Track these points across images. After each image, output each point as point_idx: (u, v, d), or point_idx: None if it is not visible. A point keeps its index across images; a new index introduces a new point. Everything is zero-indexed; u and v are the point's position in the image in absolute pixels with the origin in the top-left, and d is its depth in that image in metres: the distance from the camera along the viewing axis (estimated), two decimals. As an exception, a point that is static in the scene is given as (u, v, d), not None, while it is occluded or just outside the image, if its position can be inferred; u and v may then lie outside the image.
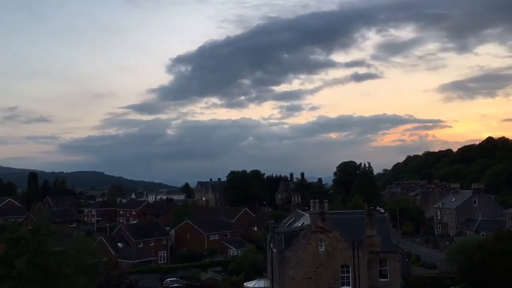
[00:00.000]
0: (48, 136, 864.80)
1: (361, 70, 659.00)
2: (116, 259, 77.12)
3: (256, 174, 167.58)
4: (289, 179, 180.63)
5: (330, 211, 41.76)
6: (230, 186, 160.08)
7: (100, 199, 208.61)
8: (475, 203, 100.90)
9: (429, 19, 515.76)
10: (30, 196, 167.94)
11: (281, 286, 40.26)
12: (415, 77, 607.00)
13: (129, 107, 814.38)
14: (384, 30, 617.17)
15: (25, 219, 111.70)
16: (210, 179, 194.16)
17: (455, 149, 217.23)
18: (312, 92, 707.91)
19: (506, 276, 46.11)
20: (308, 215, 43.99)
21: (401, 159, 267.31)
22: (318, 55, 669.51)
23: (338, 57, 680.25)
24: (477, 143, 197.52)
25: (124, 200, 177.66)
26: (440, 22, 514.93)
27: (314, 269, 39.60)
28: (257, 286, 52.27)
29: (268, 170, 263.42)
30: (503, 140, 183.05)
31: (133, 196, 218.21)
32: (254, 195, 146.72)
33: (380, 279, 41.22)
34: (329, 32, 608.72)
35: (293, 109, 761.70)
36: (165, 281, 68.62)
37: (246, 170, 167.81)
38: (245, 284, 55.47)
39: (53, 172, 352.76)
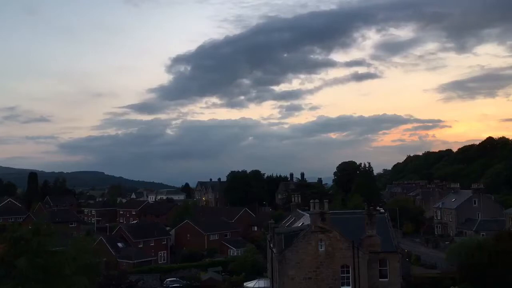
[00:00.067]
0: (48, 136, 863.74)
1: (361, 70, 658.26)
2: (116, 259, 77.10)
3: (256, 174, 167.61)
4: (289, 179, 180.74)
5: (330, 211, 41.79)
6: (230, 186, 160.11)
7: (100, 199, 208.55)
8: (475, 203, 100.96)
9: (429, 18, 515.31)
10: (30, 196, 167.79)
11: (281, 286, 40.30)
12: (415, 77, 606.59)
13: (128, 107, 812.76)
14: (384, 30, 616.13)
15: (25, 219, 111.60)
16: (210, 179, 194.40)
17: (455, 149, 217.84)
18: (312, 92, 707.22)
19: (506, 276, 46.16)
20: (308, 215, 44.03)
21: (401, 159, 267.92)
22: (318, 55, 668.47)
23: (338, 56, 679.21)
24: (477, 143, 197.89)
25: (124, 200, 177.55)
26: (439, 21, 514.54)
27: (314, 269, 39.64)
28: (257, 286, 52.33)
29: (268, 170, 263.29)
30: (503, 140, 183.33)
31: (133, 196, 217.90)
32: (254, 195, 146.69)
33: (380, 279, 41.26)
34: (329, 31, 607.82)
35: (293, 109, 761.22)
36: (165, 281, 68.70)
37: (246, 170, 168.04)
38: (245, 284, 55.53)
39: (53, 172, 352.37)
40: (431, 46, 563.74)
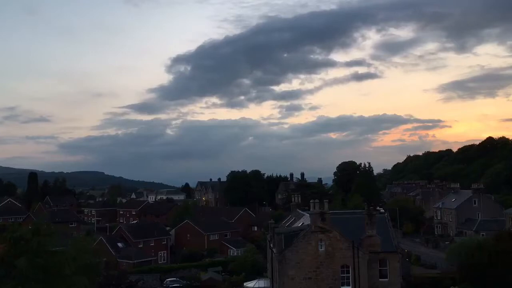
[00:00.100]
0: (48, 136, 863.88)
1: (361, 70, 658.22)
2: (116, 259, 77.07)
3: (256, 174, 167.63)
4: (289, 179, 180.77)
5: (330, 211, 41.80)
6: (230, 186, 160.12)
7: (100, 199, 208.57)
8: (475, 203, 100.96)
9: (429, 18, 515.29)
10: (30, 196, 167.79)
11: (281, 286, 40.30)
12: (415, 77, 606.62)
13: (128, 106, 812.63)
14: (384, 30, 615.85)
15: (25, 219, 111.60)
16: (210, 179, 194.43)
17: (455, 149, 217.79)
18: (312, 92, 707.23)
19: (506, 276, 46.17)
20: (308, 215, 44.03)
21: (401, 159, 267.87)
22: (318, 55, 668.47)
23: (338, 56, 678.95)
24: (477, 143, 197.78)
25: (124, 200, 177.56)
26: (439, 21, 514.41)
27: (314, 269, 39.64)
28: (257, 286, 52.33)
29: (268, 170, 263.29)
30: (503, 140, 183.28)
31: (133, 196, 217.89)
32: (254, 195, 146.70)
33: (380, 279, 41.26)
34: (329, 31, 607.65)
35: (293, 109, 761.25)
36: (165, 281, 68.70)
37: (246, 170, 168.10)
38: (245, 284, 55.53)
39: (53, 172, 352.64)
40: (431, 46, 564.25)
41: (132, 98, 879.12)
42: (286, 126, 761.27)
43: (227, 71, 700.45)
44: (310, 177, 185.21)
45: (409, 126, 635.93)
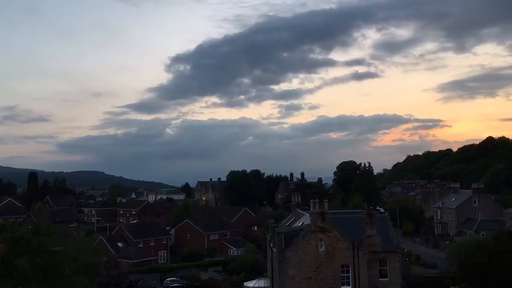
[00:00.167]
0: (48, 135, 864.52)
1: (361, 69, 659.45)
2: (116, 259, 77.10)
3: (256, 174, 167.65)
4: (289, 179, 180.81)
5: (330, 211, 41.79)
6: (230, 186, 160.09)
7: (100, 199, 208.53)
8: (475, 203, 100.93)
9: (429, 17, 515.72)
10: (30, 196, 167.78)
11: (281, 285, 40.29)
12: (415, 77, 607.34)
13: (128, 106, 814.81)
14: (384, 29, 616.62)
15: (25, 219, 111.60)
16: (210, 179, 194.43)
17: (455, 149, 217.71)
18: (311, 91, 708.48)
19: (506, 276, 46.16)
20: (308, 215, 44.02)
21: (401, 158, 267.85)
22: (318, 54, 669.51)
23: (337, 56, 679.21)
24: (477, 143, 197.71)
25: (124, 200, 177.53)
26: (439, 20, 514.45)
27: (314, 268, 39.64)
28: (257, 286, 52.33)
29: (268, 170, 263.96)
30: (503, 140, 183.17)
31: (133, 196, 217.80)
32: (254, 195, 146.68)
33: (380, 279, 41.25)
34: (329, 30, 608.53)
35: (293, 109, 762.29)
36: (165, 281, 68.67)
37: (246, 170, 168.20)
38: (245, 283, 55.52)
39: (53, 172, 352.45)
40: (430, 45, 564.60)
41: (132, 97, 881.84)
42: (286, 125, 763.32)
43: (226, 71, 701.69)
44: (310, 177, 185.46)
45: (409, 125, 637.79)
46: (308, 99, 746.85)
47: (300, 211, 54.79)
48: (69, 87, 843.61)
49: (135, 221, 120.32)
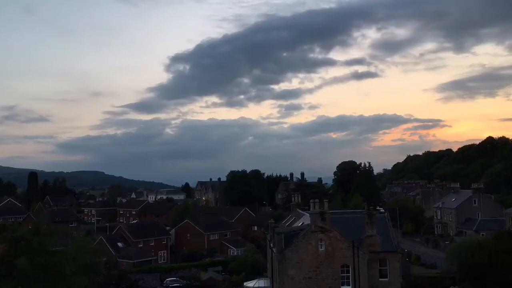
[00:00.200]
0: (47, 135, 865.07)
1: (361, 69, 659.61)
2: (116, 258, 77.11)
3: (256, 174, 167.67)
4: (289, 179, 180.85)
5: (330, 211, 41.77)
6: (230, 186, 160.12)
7: (100, 199, 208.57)
8: (475, 203, 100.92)
9: (428, 17, 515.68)
10: (30, 196, 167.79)
11: (281, 285, 40.29)
12: (415, 76, 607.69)
13: (128, 106, 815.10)
14: (384, 28, 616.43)
15: (25, 219, 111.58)
16: (210, 179, 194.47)
17: (455, 149, 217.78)
18: (311, 91, 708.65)
19: (506, 276, 46.16)
20: (308, 215, 44.02)
21: (401, 158, 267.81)
22: (317, 54, 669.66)
23: (337, 55, 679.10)
24: (477, 142, 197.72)
25: (124, 200, 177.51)
26: (438, 20, 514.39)
27: (314, 268, 39.63)
28: (257, 285, 52.32)
29: (268, 170, 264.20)
30: (503, 140, 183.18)
31: (133, 196, 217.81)
32: (254, 195, 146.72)
33: (380, 279, 41.24)
34: (328, 30, 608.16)
35: (293, 108, 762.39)
36: (165, 281, 68.69)
37: (246, 170, 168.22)
38: (245, 283, 55.52)
39: (53, 172, 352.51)
40: (430, 45, 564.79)
41: (132, 97, 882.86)
42: (285, 125, 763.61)
43: (226, 70, 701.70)
44: (310, 177, 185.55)
45: (409, 125, 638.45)
46: (308, 99, 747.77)
47: (300, 211, 54.78)
48: (69, 87, 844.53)
49: (135, 221, 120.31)
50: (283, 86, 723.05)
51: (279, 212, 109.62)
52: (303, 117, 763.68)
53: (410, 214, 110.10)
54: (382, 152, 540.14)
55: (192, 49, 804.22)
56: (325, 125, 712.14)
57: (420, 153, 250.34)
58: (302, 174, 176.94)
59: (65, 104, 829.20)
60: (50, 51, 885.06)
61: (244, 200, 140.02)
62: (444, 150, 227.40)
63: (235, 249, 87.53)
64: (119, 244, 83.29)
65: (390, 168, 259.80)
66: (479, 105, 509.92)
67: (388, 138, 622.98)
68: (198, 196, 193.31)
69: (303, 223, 46.33)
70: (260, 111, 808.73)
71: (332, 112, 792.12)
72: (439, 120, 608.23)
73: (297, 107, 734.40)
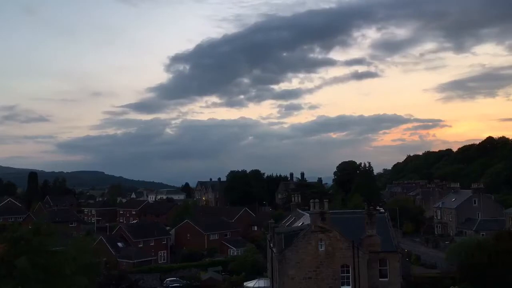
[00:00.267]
0: (47, 135, 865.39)
1: (361, 69, 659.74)
2: (116, 259, 77.12)
3: (256, 174, 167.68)
4: (289, 179, 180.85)
5: (330, 211, 41.77)
6: (230, 186, 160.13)
7: (100, 199, 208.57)
8: (475, 203, 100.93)
9: (428, 17, 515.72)
10: (30, 196, 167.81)
11: (281, 285, 40.29)
12: (415, 76, 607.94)
13: (128, 106, 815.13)
14: (384, 28, 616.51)
15: (25, 219, 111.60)
16: (210, 179, 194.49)
17: (455, 149, 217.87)
18: (311, 91, 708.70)
19: (506, 276, 46.17)
20: (308, 215, 44.02)
21: (401, 158, 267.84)
22: (317, 54, 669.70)
23: (337, 55, 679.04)
24: (477, 142, 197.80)
25: (124, 200, 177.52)
26: (438, 20, 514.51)
27: (314, 268, 39.63)
28: (257, 286, 52.33)
29: (268, 169, 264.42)
30: (503, 140, 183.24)
31: (133, 196, 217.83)
32: (254, 195, 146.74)
33: (380, 279, 41.24)
34: (328, 30, 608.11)
35: (293, 108, 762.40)
36: (165, 281, 68.70)
37: (246, 170, 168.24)
38: (245, 283, 55.53)
39: (53, 172, 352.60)
40: (430, 45, 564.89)
41: (132, 97, 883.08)
42: (285, 125, 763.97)
43: (226, 70, 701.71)
44: (310, 177, 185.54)
45: (409, 125, 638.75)
46: (308, 99, 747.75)
47: (300, 211, 54.79)
48: (69, 87, 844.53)
49: (135, 221, 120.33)
50: (283, 86, 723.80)
51: (279, 212, 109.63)
52: (303, 117, 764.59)
53: (410, 214, 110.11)
54: (382, 152, 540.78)
55: (192, 49, 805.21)
56: (325, 125, 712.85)
57: (420, 153, 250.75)
58: (302, 174, 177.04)
59: (65, 104, 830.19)
60: (50, 51, 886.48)
61: (244, 200, 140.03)
62: (444, 150, 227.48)
63: (235, 249, 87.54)
64: (119, 244, 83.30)
65: (390, 168, 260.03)
66: (479, 105, 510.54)
67: (388, 138, 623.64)
68: (198, 196, 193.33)
69: (303, 223, 46.34)
70: (260, 111, 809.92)
71: (332, 112, 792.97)
72: (439, 120, 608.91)
73: (297, 107, 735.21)
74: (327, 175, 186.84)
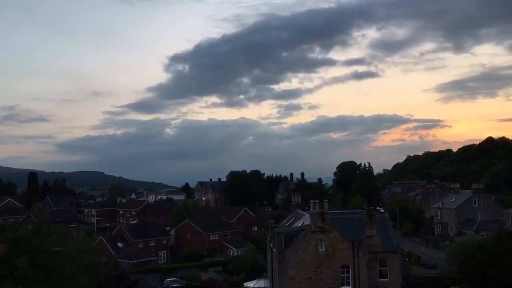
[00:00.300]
0: (47, 135, 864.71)
1: (361, 69, 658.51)
2: (116, 259, 77.13)
3: (256, 174, 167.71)
4: (289, 179, 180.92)
5: (330, 211, 41.79)
6: (230, 186, 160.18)
7: (100, 199, 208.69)
8: (475, 203, 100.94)
9: (427, 16, 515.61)
10: (30, 196, 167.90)
11: (281, 286, 40.31)
12: (415, 77, 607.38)
13: (128, 106, 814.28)
14: (384, 28, 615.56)
15: (25, 219, 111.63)
16: (210, 179, 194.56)
17: (455, 149, 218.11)
18: (311, 91, 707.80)
19: (506, 276, 46.19)
20: (308, 215, 44.04)
21: (401, 159, 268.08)
22: (317, 53, 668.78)
23: (337, 55, 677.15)
24: (477, 143, 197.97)
25: (124, 200, 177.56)
26: (437, 20, 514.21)
27: (314, 269, 39.64)
28: (257, 286, 52.33)
29: (268, 170, 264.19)
30: (503, 140, 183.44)
31: (133, 196, 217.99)
32: (254, 195, 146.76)
33: (380, 279, 41.26)
34: (328, 29, 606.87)
35: (292, 108, 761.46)
36: (165, 281, 68.72)
37: (246, 170, 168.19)
38: (245, 284, 55.53)
39: (53, 172, 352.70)
40: (430, 45, 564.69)
41: (131, 97, 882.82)
42: (285, 125, 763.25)
43: (225, 70, 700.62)
44: (310, 177, 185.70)
45: (409, 125, 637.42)
46: (307, 99, 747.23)
47: (300, 211, 54.82)
48: (69, 87, 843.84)
49: (135, 222, 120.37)
50: (283, 86, 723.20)
51: (279, 212, 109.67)
52: (303, 117, 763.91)
53: (410, 215, 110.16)
54: (382, 152, 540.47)
55: (192, 49, 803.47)
56: (325, 125, 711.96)
57: (420, 153, 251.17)
58: (302, 174, 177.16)
59: (65, 104, 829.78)
60: (50, 51, 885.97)
61: (244, 200, 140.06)
62: (444, 150, 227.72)
63: (235, 249, 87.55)
64: (119, 244, 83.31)
65: (390, 168, 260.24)
66: (479, 105, 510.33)
67: (388, 138, 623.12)
68: (198, 196, 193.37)
69: (303, 223, 46.36)
70: (260, 111, 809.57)
71: (332, 112, 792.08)
72: (439, 120, 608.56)
73: (297, 107, 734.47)
74: (327, 175, 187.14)
